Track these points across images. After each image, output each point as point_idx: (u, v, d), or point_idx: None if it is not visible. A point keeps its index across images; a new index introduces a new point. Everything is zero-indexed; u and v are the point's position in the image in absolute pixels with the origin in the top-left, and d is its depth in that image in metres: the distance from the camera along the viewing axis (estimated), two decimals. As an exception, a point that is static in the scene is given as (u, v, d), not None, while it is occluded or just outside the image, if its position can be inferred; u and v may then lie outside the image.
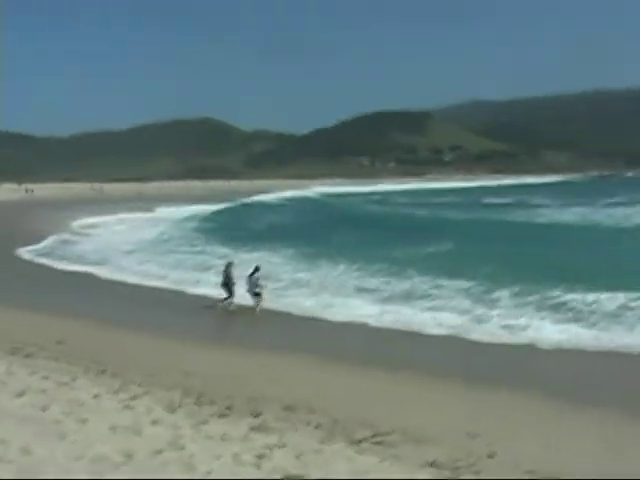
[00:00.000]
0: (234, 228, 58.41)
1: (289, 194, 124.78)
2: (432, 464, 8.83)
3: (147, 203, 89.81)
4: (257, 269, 24.60)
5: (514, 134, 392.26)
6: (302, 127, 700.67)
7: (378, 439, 10.09)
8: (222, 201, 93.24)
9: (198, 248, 43.41)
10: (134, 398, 11.26)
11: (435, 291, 27.20)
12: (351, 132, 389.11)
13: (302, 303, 25.17)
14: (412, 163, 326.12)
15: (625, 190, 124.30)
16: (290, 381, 14.41)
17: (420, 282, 29.22)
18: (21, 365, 13.60)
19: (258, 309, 23.62)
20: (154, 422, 9.81)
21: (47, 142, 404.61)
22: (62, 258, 37.43)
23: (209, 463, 7.97)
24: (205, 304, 24.86)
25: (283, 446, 9.09)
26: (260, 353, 17.60)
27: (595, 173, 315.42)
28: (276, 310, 23.72)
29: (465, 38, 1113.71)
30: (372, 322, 22.08)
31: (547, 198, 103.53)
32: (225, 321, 23.67)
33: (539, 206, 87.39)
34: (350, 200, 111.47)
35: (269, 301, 24.04)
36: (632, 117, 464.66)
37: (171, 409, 10.75)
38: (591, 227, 56.72)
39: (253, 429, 9.93)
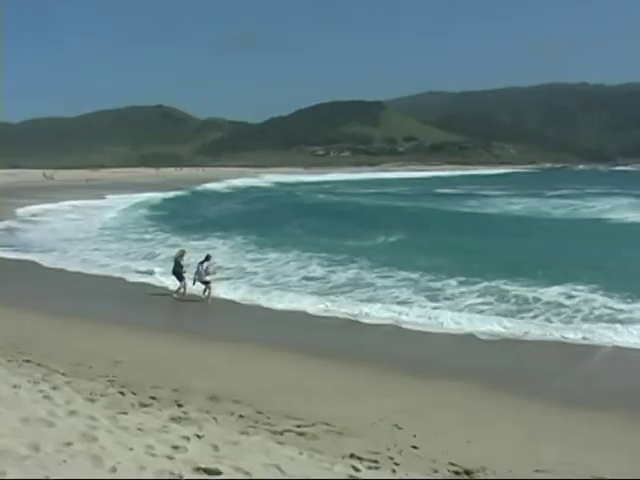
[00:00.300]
0: (183, 216, 57.98)
1: (239, 182, 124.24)
2: (351, 456, 8.71)
3: (98, 190, 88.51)
4: (208, 257, 24.50)
5: (468, 126, 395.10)
6: (258, 117, 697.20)
7: (301, 430, 9.96)
8: (173, 189, 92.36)
9: (147, 236, 42.89)
10: (55, 388, 10.92)
11: (380, 281, 27.26)
12: (306, 122, 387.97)
13: (247, 292, 25.05)
14: (367, 153, 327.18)
15: (574, 182, 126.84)
16: (221, 371, 14.24)
17: (366, 272, 29.31)
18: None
19: (209, 298, 23.41)
20: (71, 413, 9.51)
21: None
22: (4, 245, 36.59)
23: (118, 456, 7.71)
24: (150, 292, 24.58)
25: (201, 437, 8.89)
26: (196, 342, 17.42)
27: (547, 165, 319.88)
28: (221, 298, 23.58)
29: (419, 31, 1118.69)
30: (312, 311, 22.04)
31: (497, 189, 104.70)
32: (168, 310, 23.33)
33: (488, 196, 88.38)
34: (301, 189, 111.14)
35: (216, 289, 23.79)
36: (585, 112, 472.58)
37: (91, 399, 10.46)
38: (538, 218, 57.68)
39: (173, 419, 9.70)
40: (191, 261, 24.95)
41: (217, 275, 24.70)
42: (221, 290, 24.40)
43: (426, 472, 8.37)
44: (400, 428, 10.85)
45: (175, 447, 8.31)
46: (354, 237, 41.09)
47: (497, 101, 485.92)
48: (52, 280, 27.19)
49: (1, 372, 11.73)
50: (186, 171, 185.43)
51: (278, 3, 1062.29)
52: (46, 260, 31.57)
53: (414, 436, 10.37)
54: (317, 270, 30.04)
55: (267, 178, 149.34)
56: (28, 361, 13.12)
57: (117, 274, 28.23)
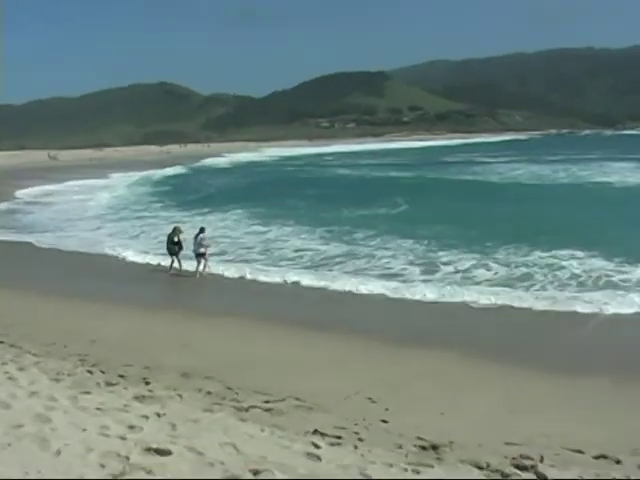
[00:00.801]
0: (186, 192, 57.84)
1: (242, 157, 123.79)
2: (314, 432, 8.45)
3: (102, 169, 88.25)
4: (202, 230, 24.45)
5: (472, 94, 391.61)
6: (261, 91, 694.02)
7: (269, 406, 9.71)
8: (175, 165, 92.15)
9: (147, 213, 42.82)
10: (21, 369, 10.71)
11: (378, 252, 26.98)
12: (310, 94, 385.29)
13: (239, 266, 24.80)
14: (371, 124, 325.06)
15: (579, 147, 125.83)
16: (200, 347, 14.00)
17: (364, 243, 29.08)
18: None
19: (205, 271, 23.26)
20: (31, 394, 9.28)
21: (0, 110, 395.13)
22: (2, 227, 36.40)
23: (68, 438, 7.47)
24: (146, 270, 24.39)
25: (161, 416, 8.65)
26: (181, 318, 17.19)
27: (553, 131, 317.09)
28: (214, 273, 23.34)
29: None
30: (305, 284, 21.75)
31: (501, 156, 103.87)
32: (160, 287, 23.15)
33: (491, 163, 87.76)
34: (304, 161, 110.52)
35: (210, 264, 23.60)
36: (590, 76, 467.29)
37: (57, 379, 10.24)
38: (540, 184, 57.21)
39: (137, 398, 9.47)
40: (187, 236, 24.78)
41: (211, 248, 24.51)
42: (213, 264, 24.12)
43: (390, 448, 8.08)
44: (374, 402, 10.59)
45: (131, 427, 8.07)
46: (355, 208, 40.83)
47: (501, 68, 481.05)
48: (47, 261, 26.99)
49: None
50: (191, 147, 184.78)
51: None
52: (43, 241, 31.27)
53: (386, 409, 10.10)
54: (313, 242, 29.86)
55: (270, 152, 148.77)
56: (1, 342, 12.89)
57: (113, 252, 27.92)
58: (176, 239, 24.22)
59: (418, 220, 34.48)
